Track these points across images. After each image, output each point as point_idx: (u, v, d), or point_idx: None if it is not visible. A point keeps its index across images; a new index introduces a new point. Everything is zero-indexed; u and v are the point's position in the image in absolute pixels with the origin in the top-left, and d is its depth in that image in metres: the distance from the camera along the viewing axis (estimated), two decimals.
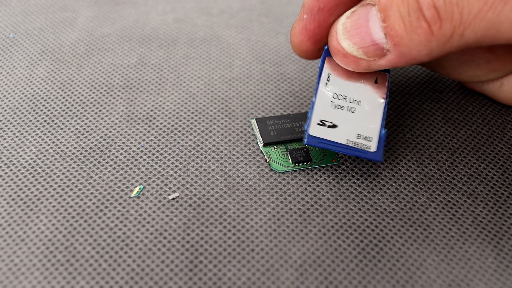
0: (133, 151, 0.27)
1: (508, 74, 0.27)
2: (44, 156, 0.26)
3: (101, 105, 0.29)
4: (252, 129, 0.28)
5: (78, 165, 0.26)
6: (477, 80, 0.28)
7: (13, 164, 0.26)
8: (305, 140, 0.25)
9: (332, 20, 0.25)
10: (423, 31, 0.22)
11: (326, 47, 0.26)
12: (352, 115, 0.25)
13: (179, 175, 0.26)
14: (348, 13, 0.24)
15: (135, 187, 0.25)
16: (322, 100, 0.25)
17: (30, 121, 0.28)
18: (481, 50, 0.26)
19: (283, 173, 0.26)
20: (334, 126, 0.25)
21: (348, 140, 0.24)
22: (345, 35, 0.24)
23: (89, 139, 0.27)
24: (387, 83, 0.25)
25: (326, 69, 0.26)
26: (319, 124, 0.25)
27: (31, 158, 0.26)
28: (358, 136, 0.24)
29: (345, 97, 0.25)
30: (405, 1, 0.22)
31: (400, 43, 0.23)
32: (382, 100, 0.25)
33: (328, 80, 0.25)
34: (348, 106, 0.25)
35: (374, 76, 0.26)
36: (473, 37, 0.22)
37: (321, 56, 0.27)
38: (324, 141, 0.24)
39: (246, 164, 0.26)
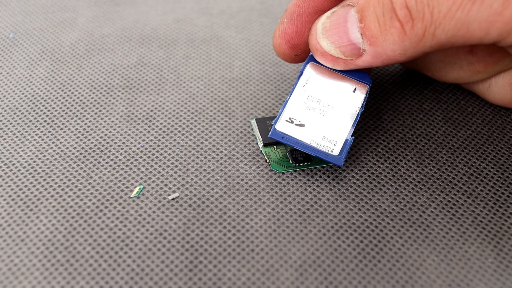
0: (133, 151, 0.27)
1: (495, 75, 0.28)
2: (44, 156, 0.26)
3: (101, 105, 0.29)
4: (252, 129, 0.28)
5: (78, 165, 0.26)
6: (463, 82, 0.29)
7: (13, 164, 0.26)
8: (270, 133, 0.25)
9: (310, 28, 0.26)
10: (396, 30, 0.23)
11: (311, 54, 0.26)
12: (322, 117, 0.25)
13: (179, 175, 0.26)
14: (328, 13, 0.25)
15: (135, 187, 0.25)
16: (295, 99, 0.26)
17: (30, 121, 0.28)
18: (463, 52, 0.27)
19: (283, 173, 0.26)
20: (302, 125, 0.25)
21: (312, 140, 0.25)
22: (324, 34, 0.25)
23: (89, 139, 0.27)
24: (365, 94, 0.26)
25: (307, 73, 0.26)
26: (287, 121, 0.25)
27: (31, 158, 0.26)
28: (323, 138, 0.25)
29: (319, 100, 0.26)
30: (381, 2, 0.23)
31: (375, 43, 0.23)
32: (356, 109, 0.26)
33: (306, 83, 0.26)
34: (320, 109, 0.25)
35: (354, 85, 0.26)
36: (445, 37, 0.22)
37: (298, 61, 0.27)
38: (288, 137, 0.25)
39: (246, 164, 0.26)
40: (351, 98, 0.26)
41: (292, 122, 0.25)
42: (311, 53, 0.26)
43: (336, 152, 0.25)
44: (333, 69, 0.26)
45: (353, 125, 0.25)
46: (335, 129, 0.25)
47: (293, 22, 0.26)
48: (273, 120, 0.25)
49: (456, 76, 0.28)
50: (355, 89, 0.26)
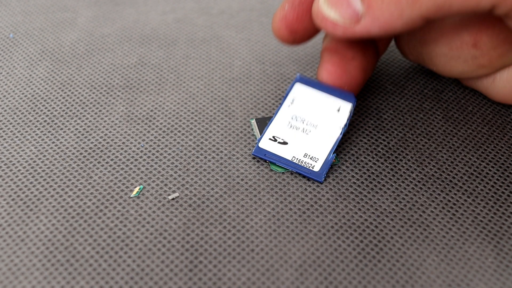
0: (133, 151, 0.27)
1: (499, 70, 0.27)
2: (44, 156, 0.26)
3: (101, 105, 0.29)
4: (252, 129, 0.28)
5: (78, 165, 0.26)
6: (468, 77, 0.29)
7: (13, 164, 0.26)
8: (254, 151, 0.26)
9: (310, 14, 0.26)
10: None
11: (298, 76, 0.27)
12: (305, 136, 0.26)
13: (179, 175, 0.26)
14: None
15: (135, 187, 0.25)
16: (280, 118, 0.27)
17: (30, 121, 0.28)
18: (467, 46, 0.27)
19: (283, 173, 0.26)
20: (285, 143, 0.26)
21: (294, 157, 0.26)
22: (325, 0, 0.25)
23: (89, 139, 0.27)
24: (349, 113, 0.26)
25: (293, 93, 0.27)
26: (270, 139, 0.26)
27: (31, 158, 0.26)
28: (305, 155, 0.26)
29: (303, 119, 0.26)
30: None
31: (372, 4, 0.24)
32: (339, 129, 0.26)
33: (291, 103, 0.27)
34: (303, 128, 0.26)
35: (338, 104, 0.27)
36: None
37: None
38: (270, 154, 0.26)
39: (246, 164, 0.26)
40: (335, 117, 0.26)
41: (275, 140, 0.26)
42: (298, 75, 0.27)
43: (317, 168, 0.25)
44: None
45: (335, 143, 0.26)
46: (316, 147, 0.26)
47: (294, 8, 0.27)
48: (257, 139, 0.26)
49: (461, 71, 0.28)
50: (339, 108, 0.26)
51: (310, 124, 0.26)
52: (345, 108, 0.26)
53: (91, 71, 0.31)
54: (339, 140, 0.26)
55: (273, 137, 0.26)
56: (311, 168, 0.25)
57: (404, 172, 0.26)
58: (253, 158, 0.26)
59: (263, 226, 0.24)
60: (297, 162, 0.25)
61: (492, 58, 0.27)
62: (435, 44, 0.28)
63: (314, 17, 0.26)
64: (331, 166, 0.26)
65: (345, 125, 0.26)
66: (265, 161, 0.26)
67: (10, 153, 0.26)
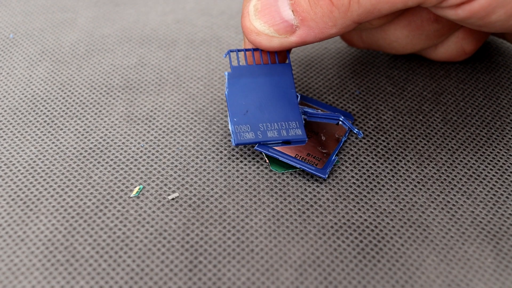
0: (133, 151, 0.27)
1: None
2: (44, 156, 0.26)
3: (101, 106, 0.29)
4: None
5: (78, 165, 0.26)
6: (426, 48, 0.30)
7: (13, 164, 0.26)
8: (256, 145, 0.26)
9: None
10: (325, 3, 0.24)
11: (299, 95, 0.28)
12: (315, 142, 0.27)
13: (179, 175, 0.26)
14: None
15: (135, 187, 0.25)
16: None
17: (30, 121, 0.28)
18: (428, 22, 0.28)
19: (282, 173, 0.26)
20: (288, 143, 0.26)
21: (297, 155, 0.26)
22: (257, 15, 0.25)
23: (89, 140, 0.27)
24: (348, 127, 0.28)
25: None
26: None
27: (31, 159, 0.26)
28: (308, 154, 0.26)
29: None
30: None
31: (306, 17, 0.24)
32: (339, 137, 0.27)
33: None
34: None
35: (337, 120, 0.28)
36: (369, 3, 0.23)
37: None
38: (274, 150, 0.26)
39: (245, 164, 0.26)
40: (335, 128, 0.27)
41: None
42: (298, 95, 0.28)
43: (320, 166, 0.26)
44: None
45: (337, 148, 0.26)
46: (319, 149, 0.26)
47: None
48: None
49: (422, 46, 0.29)
50: (338, 123, 0.28)
51: (311, 131, 0.27)
52: (344, 122, 0.28)
53: (91, 72, 0.31)
54: (339, 147, 0.26)
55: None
56: (314, 166, 0.25)
57: (403, 173, 0.26)
58: (253, 158, 0.26)
59: (263, 226, 0.24)
60: (300, 159, 0.26)
61: (451, 26, 0.28)
62: (395, 29, 0.28)
63: (246, 32, 0.26)
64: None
65: (345, 135, 0.27)
66: (265, 161, 0.26)
67: (10, 153, 0.26)
